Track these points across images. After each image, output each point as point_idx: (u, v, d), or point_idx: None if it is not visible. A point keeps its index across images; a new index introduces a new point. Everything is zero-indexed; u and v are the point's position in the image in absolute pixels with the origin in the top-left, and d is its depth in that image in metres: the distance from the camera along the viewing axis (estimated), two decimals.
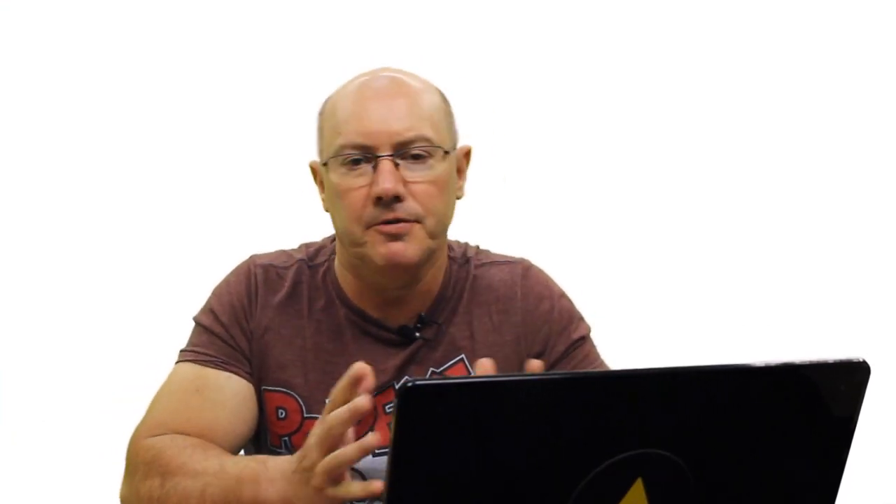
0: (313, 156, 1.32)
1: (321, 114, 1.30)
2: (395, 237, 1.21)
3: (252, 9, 2.68)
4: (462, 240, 1.45)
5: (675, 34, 2.78)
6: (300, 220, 1.33)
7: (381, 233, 1.21)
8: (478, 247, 1.42)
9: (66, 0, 2.64)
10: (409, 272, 1.26)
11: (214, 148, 2.63)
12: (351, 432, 0.96)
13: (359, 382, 0.96)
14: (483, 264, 1.38)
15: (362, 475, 1.31)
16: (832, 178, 2.78)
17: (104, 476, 1.43)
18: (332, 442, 0.95)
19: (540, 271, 1.40)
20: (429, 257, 1.26)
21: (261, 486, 1.02)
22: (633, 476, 0.73)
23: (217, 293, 1.33)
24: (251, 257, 1.36)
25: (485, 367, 0.94)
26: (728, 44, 2.79)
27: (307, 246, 1.39)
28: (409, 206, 1.21)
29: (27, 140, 2.64)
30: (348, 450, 0.95)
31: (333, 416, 0.94)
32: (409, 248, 1.22)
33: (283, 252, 1.38)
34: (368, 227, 1.22)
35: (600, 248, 2.68)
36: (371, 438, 0.93)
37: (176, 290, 2.32)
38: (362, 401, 0.93)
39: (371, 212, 1.21)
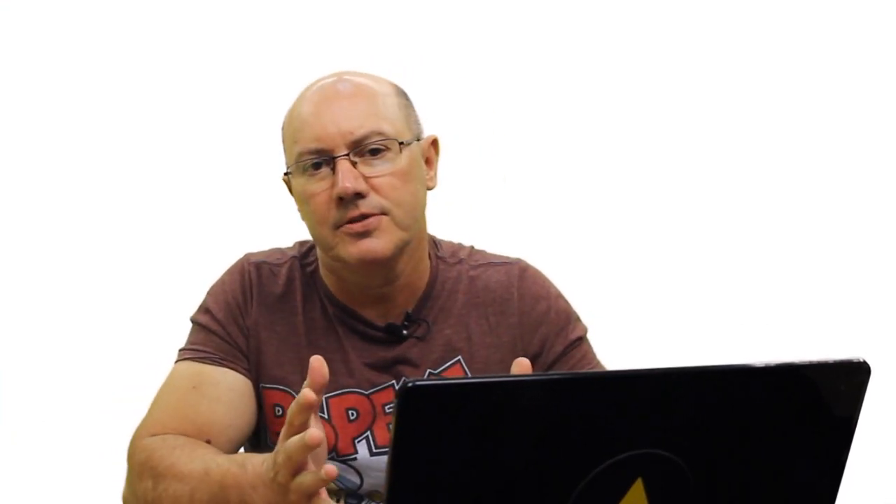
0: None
1: (282, 128, 1.32)
2: (363, 234, 1.22)
3: (246, 10, 2.68)
4: (461, 240, 1.45)
5: (673, 33, 2.78)
6: (295, 221, 1.34)
7: (349, 233, 1.23)
8: (472, 247, 1.42)
9: (64, 0, 2.64)
10: (384, 266, 1.26)
11: (210, 149, 2.62)
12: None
13: (316, 379, 0.94)
14: (479, 265, 1.38)
15: (360, 474, 1.32)
16: (832, 179, 2.78)
17: (104, 476, 1.43)
18: (297, 466, 0.93)
19: (537, 272, 1.40)
20: (402, 249, 1.27)
21: (244, 491, 1.01)
22: (633, 476, 0.73)
23: (213, 292, 1.34)
24: (245, 255, 1.37)
25: (522, 366, 0.94)
26: (726, 42, 2.79)
27: (301, 244, 1.40)
28: (373, 201, 1.22)
29: (23, 142, 2.63)
30: (319, 473, 0.92)
31: (291, 444, 0.92)
32: (379, 243, 1.23)
33: (277, 249, 1.39)
34: (336, 227, 1.23)
35: (600, 248, 2.68)
36: (314, 436, 0.90)
37: (175, 290, 2.32)
38: (313, 433, 0.90)
39: (336, 213, 1.23)
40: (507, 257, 1.41)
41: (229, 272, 1.35)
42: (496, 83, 2.73)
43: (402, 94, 1.32)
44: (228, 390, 1.27)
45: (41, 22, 2.64)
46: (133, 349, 2.42)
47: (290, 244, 1.41)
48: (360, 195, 1.21)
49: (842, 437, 0.78)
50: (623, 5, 2.79)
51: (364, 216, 1.22)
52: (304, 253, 1.38)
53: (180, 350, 1.32)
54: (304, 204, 1.27)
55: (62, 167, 2.62)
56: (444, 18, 2.72)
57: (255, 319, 1.31)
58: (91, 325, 2.53)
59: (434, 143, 1.35)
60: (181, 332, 1.35)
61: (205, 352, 1.29)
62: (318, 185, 1.24)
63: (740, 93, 2.79)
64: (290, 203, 1.34)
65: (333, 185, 1.22)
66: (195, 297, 1.37)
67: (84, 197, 2.63)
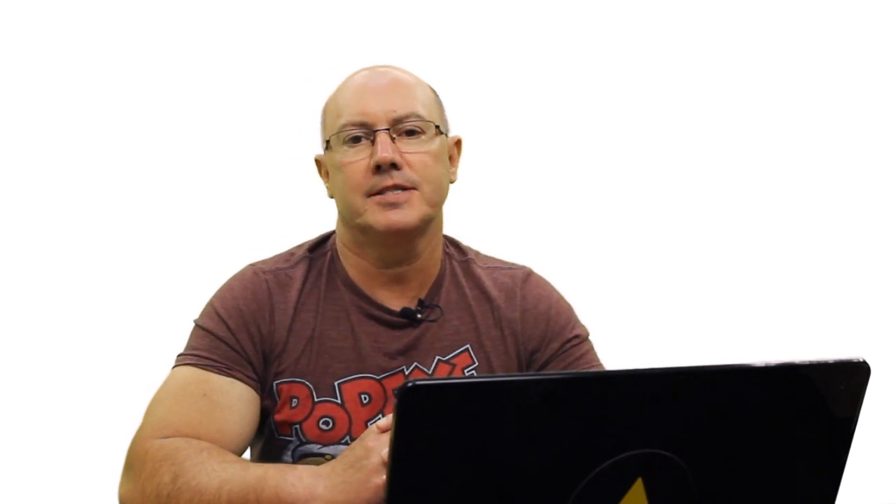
0: (303, 160, 1.41)
1: (324, 109, 1.39)
2: (393, 205, 1.29)
3: (250, 8, 2.68)
4: (463, 238, 1.49)
5: (673, 35, 2.78)
6: (285, 226, 1.36)
7: (380, 203, 1.29)
8: (478, 252, 1.47)
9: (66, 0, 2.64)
10: (407, 238, 1.32)
11: (206, 153, 2.61)
12: None
13: None
14: (489, 267, 1.44)
15: None
16: (832, 178, 2.78)
17: (103, 476, 1.43)
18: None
19: (541, 278, 1.46)
20: (426, 225, 1.33)
21: (287, 481, 1.06)
22: (633, 476, 0.73)
23: (221, 298, 1.34)
24: (252, 265, 1.38)
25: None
26: (726, 42, 2.79)
27: (305, 244, 1.42)
28: (406, 174, 1.30)
29: (22, 142, 2.63)
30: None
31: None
32: (407, 215, 1.29)
33: (286, 253, 1.41)
34: (368, 195, 1.29)
35: (601, 248, 2.68)
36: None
37: (175, 291, 2.32)
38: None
39: (371, 180, 1.29)
40: (514, 263, 1.47)
41: (239, 280, 1.35)
42: (498, 85, 2.73)
43: (436, 93, 1.41)
44: (238, 400, 1.27)
45: (45, 22, 2.64)
46: (133, 350, 2.41)
47: (288, 247, 1.42)
48: (395, 166, 1.28)
49: (842, 437, 0.78)
50: (624, 9, 2.79)
51: (396, 187, 1.29)
52: (313, 246, 1.41)
53: (181, 354, 1.31)
54: (339, 172, 1.32)
55: (64, 171, 2.62)
56: (448, 21, 2.72)
57: (280, 326, 1.33)
58: (91, 326, 2.53)
59: (458, 143, 1.43)
60: (182, 333, 1.34)
61: (210, 359, 1.28)
62: (357, 155, 1.30)
63: (740, 92, 2.79)
64: (281, 207, 1.35)
65: (371, 155, 1.29)
66: (195, 299, 1.36)
67: (88, 199, 2.62)
